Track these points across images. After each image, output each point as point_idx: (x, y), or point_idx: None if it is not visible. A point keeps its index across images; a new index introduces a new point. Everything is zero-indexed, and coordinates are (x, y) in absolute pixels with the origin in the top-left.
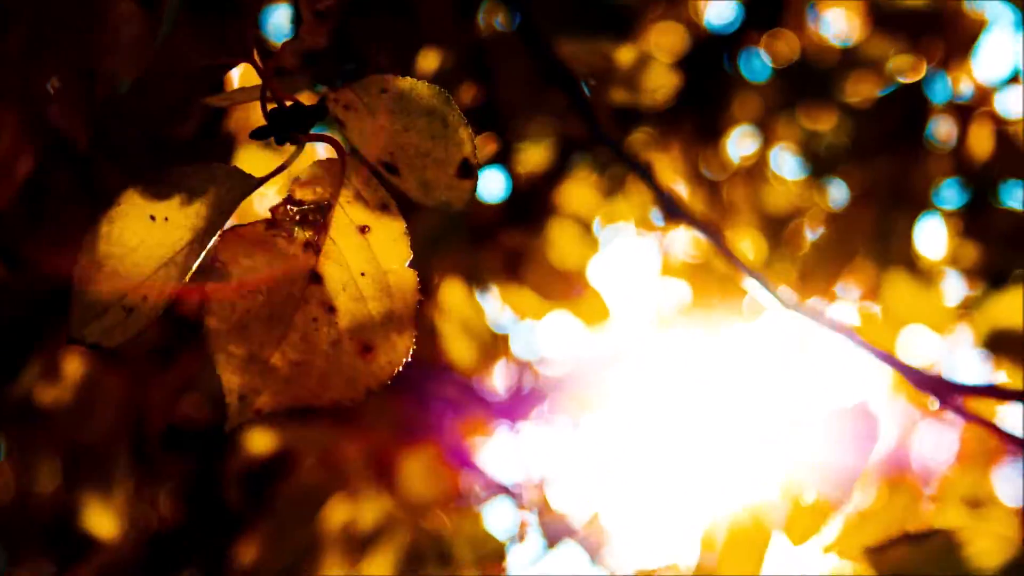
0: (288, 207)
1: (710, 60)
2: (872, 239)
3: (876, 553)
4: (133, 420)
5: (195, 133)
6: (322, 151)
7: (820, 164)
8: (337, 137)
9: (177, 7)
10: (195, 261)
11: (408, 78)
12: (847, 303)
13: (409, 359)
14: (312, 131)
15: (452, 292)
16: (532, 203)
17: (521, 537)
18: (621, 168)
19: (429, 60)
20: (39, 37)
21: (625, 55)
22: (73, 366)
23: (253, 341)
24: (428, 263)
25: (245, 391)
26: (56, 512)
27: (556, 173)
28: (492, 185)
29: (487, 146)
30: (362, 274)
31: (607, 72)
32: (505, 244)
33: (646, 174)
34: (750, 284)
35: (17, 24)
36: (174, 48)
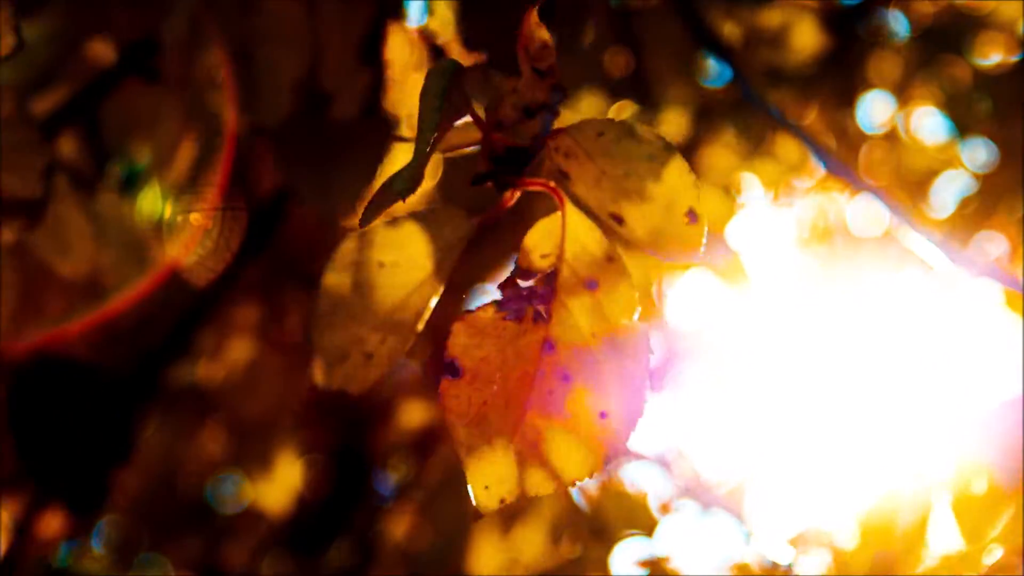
0: (516, 280)
1: (848, 22)
2: (1013, 199)
3: None
4: (294, 397)
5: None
6: None
7: (959, 124)
8: (553, 184)
9: (441, 92)
10: (429, 303)
11: (624, 121)
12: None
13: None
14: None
15: None
16: None
17: (671, 507)
18: (764, 131)
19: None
20: (200, 24)
21: (771, 18)
22: (237, 347)
23: (491, 430)
24: None
25: (489, 482)
26: (205, 490)
27: (697, 137)
28: None
29: (627, 110)
30: (593, 335)
31: (754, 35)
32: None
33: (800, 132)
34: (914, 246)
35: (179, 13)
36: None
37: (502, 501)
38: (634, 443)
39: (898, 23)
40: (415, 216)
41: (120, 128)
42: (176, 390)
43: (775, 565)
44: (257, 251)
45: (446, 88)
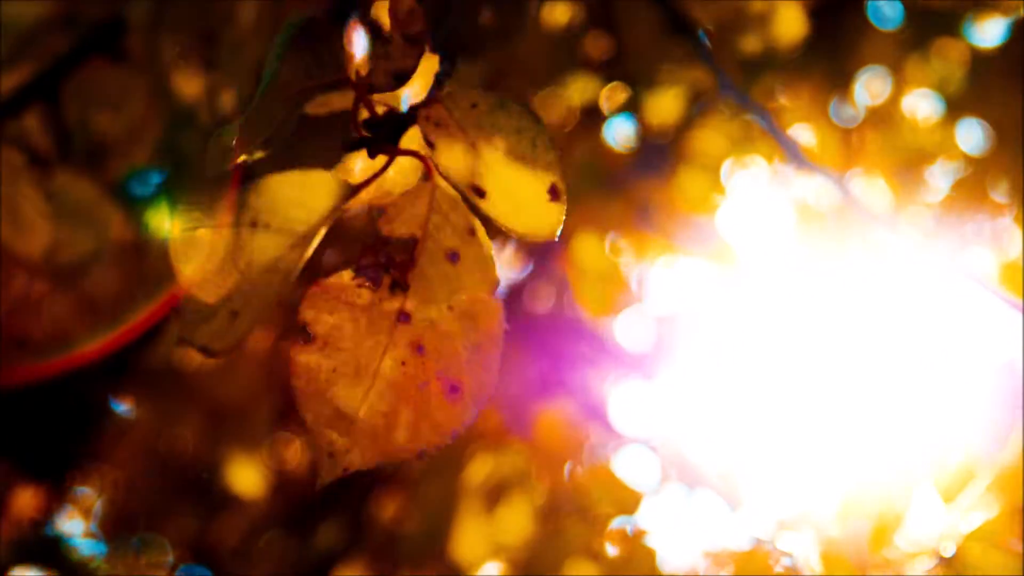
0: (376, 249)
1: (838, 4)
2: (1006, 179)
3: None
4: (274, 379)
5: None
6: None
7: (951, 105)
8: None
9: (284, 43)
10: (297, 266)
11: (499, 95)
12: (981, 246)
13: (494, 391)
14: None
15: (585, 243)
16: (662, 151)
17: (658, 489)
18: (749, 116)
19: (557, 13)
20: (166, 5)
21: (754, 3)
22: None
23: (339, 398)
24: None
25: (334, 449)
26: (198, 471)
27: (686, 121)
28: (622, 134)
29: (616, 96)
30: (450, 307)
31: (735, 20)
32: (635, 192)
33: (768, 122)
34: (879, 230)
35: None
36: (280, 80)
37: (345, 470)
38: (623, 426)
39: (891, 5)
40: (288, 178)
41: (83, 107)
42: (154, 369)
43: (761, 544)
44: None
45: (291, 38)
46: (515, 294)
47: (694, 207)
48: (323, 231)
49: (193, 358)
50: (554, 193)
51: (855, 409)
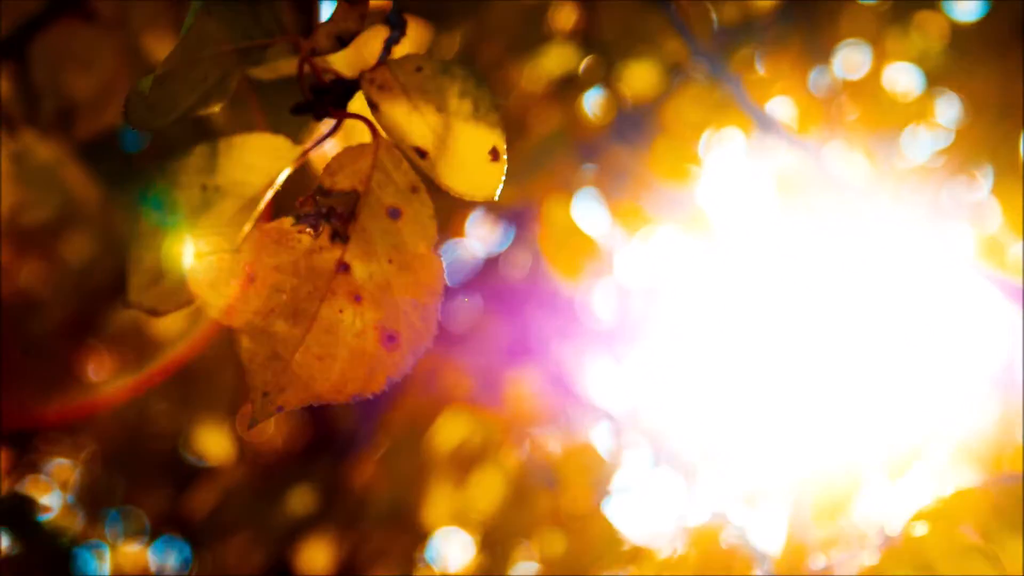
0: (317, 198)
1: None
2: (982, 152)
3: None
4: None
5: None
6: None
7: (930, 78)
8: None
9: None
10: (244, 229)
11: (444, 59)
12: (957, 218)
13: (431, 346)
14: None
15: (556, 208)
16: (638, 122)
17: (624, 460)
18: (723, 87)
19: None
20: None
21: None
22: None
23: (276, 340)
24: (532, 181)
25: (268, 389)
26: (172, 438)
27: (663, 92)
28: (597, 105)
29: (592, 65)
30: (389, 261)
31: None
32: (611, 162)
33: (740, 92)
34: (852, 201)
35: None
36: (204, 34)
37: (280, 409)
38: (593, 399)
39: None
40: (238, 142)
41: (52, 67)
42: (121, 333)
43: (725, 520)
44: None
45: None
46: (491, 264)
47: (670, 177)
48: (270, 193)
49: (160, 322)
50: (494, 154)
51: (820, 384)
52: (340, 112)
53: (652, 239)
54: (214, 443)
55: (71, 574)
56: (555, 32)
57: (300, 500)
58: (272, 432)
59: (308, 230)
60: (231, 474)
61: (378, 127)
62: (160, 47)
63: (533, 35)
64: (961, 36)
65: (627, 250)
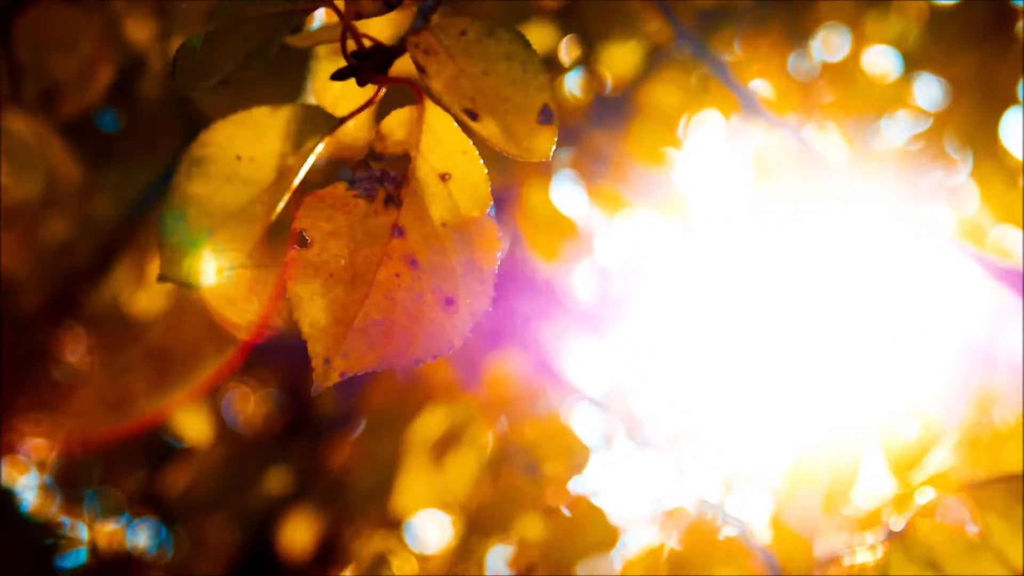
0: (369, 163)
1: None
2: (961, 136)
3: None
4: (223, 328)
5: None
6: None
7: (909, 61)
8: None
9: None
10: (281, 199)
11: (488, 22)
12: (936, 201)
13: (489, 308)
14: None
15: (535, 191)
16: (617, 104)
17: (606, 444)
18: (706, 68)
19: None
20: None
21: None
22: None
23: (336, 306)
24: (511, 164)
25: (330, 355)
26: (149, 419)
27: (642, 75)
28: (577, 87)
29: (573, 47)
30: (444, 224)
31: None
32: (590, 144)
33: (724, 72)
34: (835, 183)
35: None
36: None
37: (342, 375)
38: (573, 381)
39: None
40: (275, 110)
41: (35, 47)
42: (99, 314)
43: (707, 504)
44: None
45: None
46: None
47: (649, 159)
48: (308, 163)
49: (139, 302)
50: (546, 115)
51: (810, 369)
52: (384, 77)
53: (632, 221)
54: (192, 423)
55: (52, 566)
56: (535, 11)
57: (278, 480)
58: (251, 412)
59: (363, 195)
60: (209, 454)
61: (423, 90)
62: (140, 29)
63: (513, 14)
64: (940, 19)
65: (607, 232)
